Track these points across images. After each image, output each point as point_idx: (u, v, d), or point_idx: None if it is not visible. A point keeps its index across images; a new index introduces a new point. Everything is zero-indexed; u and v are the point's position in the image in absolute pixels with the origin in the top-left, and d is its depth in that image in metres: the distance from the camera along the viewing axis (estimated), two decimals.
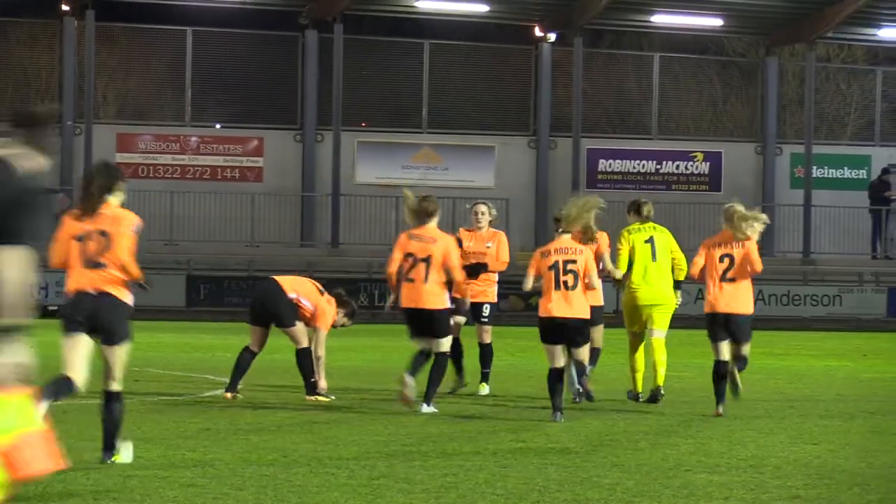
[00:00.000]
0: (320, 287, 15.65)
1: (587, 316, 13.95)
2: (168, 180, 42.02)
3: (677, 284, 15.88)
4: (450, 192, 42.69)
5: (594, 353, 15.67)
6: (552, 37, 43.77)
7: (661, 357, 15.60)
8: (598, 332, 15.66)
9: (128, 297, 10.06)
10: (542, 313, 13.85)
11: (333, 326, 15.66)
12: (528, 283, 14.00)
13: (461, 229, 16.93)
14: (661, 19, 44.34)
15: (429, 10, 43.77)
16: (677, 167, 44.81)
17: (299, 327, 15.19)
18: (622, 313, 15.96)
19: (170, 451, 10.80)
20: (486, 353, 16.57)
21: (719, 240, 14.46)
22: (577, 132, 42.97)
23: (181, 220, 41.66)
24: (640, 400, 15.59)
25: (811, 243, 43.75)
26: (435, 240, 14.42)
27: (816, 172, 44.92)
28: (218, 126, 43.66)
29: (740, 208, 14.49)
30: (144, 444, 11.11)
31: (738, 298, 14.33)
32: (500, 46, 46.13)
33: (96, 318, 9.93)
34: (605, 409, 14.85)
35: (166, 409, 14.05)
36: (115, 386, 9.99)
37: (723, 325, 14.32)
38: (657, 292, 15.68)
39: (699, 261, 14.53)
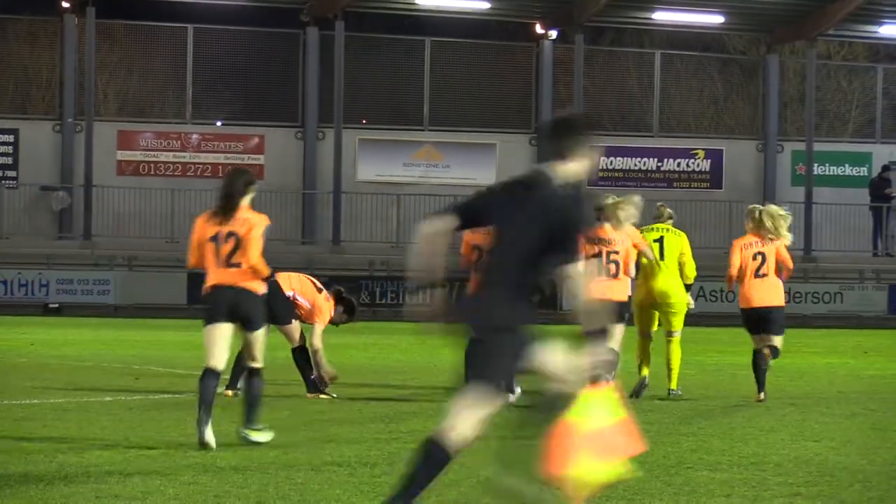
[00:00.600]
0: (319, 284, 15.67)
1: (625, 299, 14.85)
2: (169, 178, 42.02)
3: (686, 287, 16.24)
4: (451, 190, 42.68)
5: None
6: (553, 34, 43.77)
7: (675, 360, 16.04)
8: (619, 330, 15.37)
9: (262, 289, 11.26)
10: None
11: (332, 323, 15.68)
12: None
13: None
14: (662, 16, 44.33)
15: (430, 8, 43.77)
16: (678, 165, 44.81)
17: (294, 325, 15.22)
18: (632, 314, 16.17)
19: (171, 449, 10.80)
20: None
21: (750, 239, 15.53)
22: None
23: (182, 217, 41.64)
24: (646, 384, 15.78)
25: (812, 240, 43.74)
26: None
27: (817, 170, 44.92)
28: (219, 123, 43.65)
29: (774, 208, 15.65)
30: (146, 443, 11.12)
31: (771, 293, 15.46)
32: (502, 44, 46.12)
33: (236, 308, 11.12)
34: None
35: (168, 408, 14.05)
36: (257, 364, 11.27)
37: (759, 319, 15.42)
38: (665, 290, 16.03)
39: (735, 260, 15.50)
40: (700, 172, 44.98)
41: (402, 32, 45.87)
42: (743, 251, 15.50)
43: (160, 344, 24.92)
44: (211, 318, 11.22)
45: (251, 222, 11.09)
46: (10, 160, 41.19)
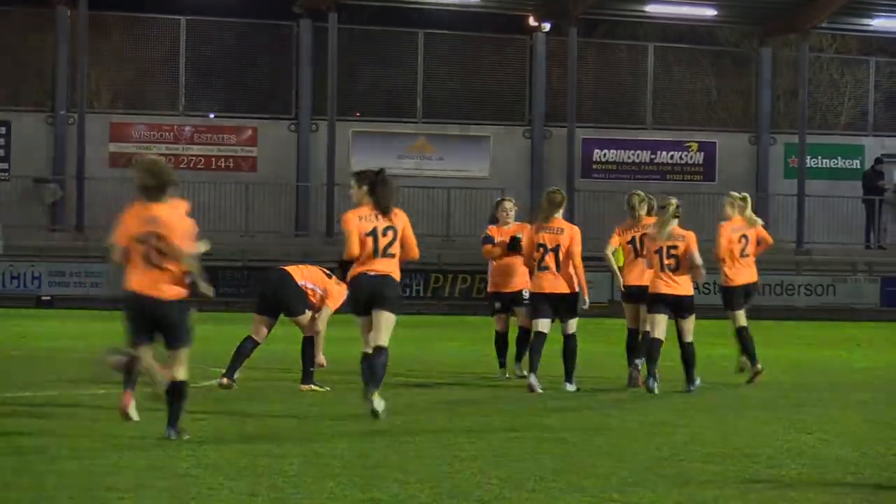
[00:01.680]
0: (327, 272, 15.94)
1: (691, 293, 15.59)
2: None
3: None
4: (445, 182, 42.68)
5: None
6: (547, 26, 43.73)
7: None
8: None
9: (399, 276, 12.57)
10: (651, 290, 15.59)
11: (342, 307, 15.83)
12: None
13: (490, 227, 17.34)
14: (655, 9, 44.32)
15: (423, 0, 43.71)
16: (672, 157, 44.81)
17: (308, 315, 15.38)
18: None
19: (164, 441, 10.79)
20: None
21: (734, 224, 16.75)
22: (572, 122, 42.96)
23: None
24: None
25: (804, 233, 43.77)
26: (562, 229, 15.63)
27: (810, 162, 44.92)
28: (212, 115, 43.60)
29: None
30: (138, 436, 11.12)
31: (752, 270, 16.77)
32: (495, 36, 46.09)
33: (379, 290, 12.48)
34: (601, 399, 14.88)
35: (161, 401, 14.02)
36: (382, 343, 12.43)
37: (741, 295, 16.61)
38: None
39: (722, 241, 16.71)
40: (693, 165, 44.98)
41: (396, 25, 45.79)
42: (730, 234, 16.71)
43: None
44: (357, 310, 12.65)
45: (403, 218, 12.69)
46: (1, 152, 41.13)
